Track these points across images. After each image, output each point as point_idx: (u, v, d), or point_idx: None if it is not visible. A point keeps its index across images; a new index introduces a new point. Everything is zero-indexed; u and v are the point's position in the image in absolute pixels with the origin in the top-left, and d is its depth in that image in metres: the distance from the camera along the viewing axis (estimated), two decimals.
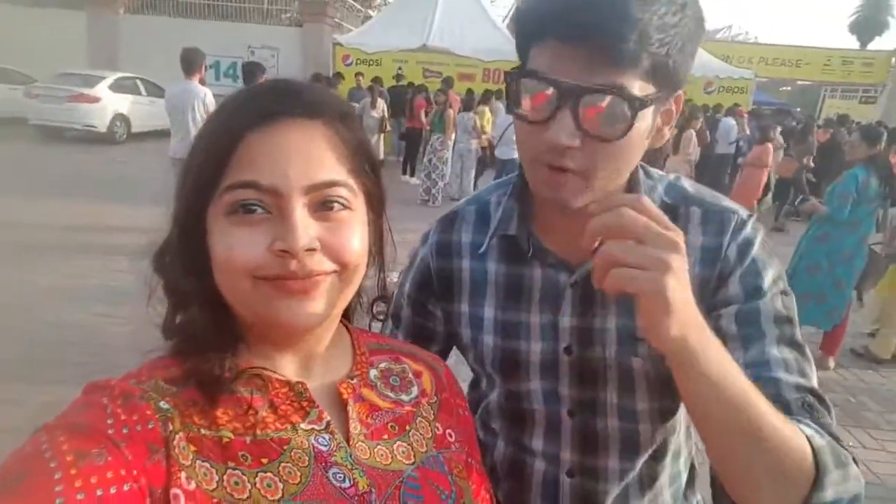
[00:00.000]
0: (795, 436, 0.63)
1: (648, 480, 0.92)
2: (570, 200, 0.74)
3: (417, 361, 0.77)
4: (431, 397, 0.73)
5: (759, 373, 0.72)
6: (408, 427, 0.68)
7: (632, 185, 0.82)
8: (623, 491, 0.91)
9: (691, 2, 0.70)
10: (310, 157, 0.57)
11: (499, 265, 0.90)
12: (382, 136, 10.01)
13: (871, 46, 33.80)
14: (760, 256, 0.80)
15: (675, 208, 0.83)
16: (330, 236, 0.58)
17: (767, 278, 0.78)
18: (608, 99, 0.67)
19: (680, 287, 0.58)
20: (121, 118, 12.33)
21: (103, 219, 6.54)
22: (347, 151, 0.61)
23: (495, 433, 0.97)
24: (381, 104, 10.32)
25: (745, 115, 12.17)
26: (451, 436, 0.71)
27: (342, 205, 0.59)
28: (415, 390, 0.73)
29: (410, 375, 0.74)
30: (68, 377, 3.18)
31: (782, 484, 0.63)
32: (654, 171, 0.87)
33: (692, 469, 1.00)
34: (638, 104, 0.68)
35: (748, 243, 0.80)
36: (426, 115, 10.65)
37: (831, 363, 4.33)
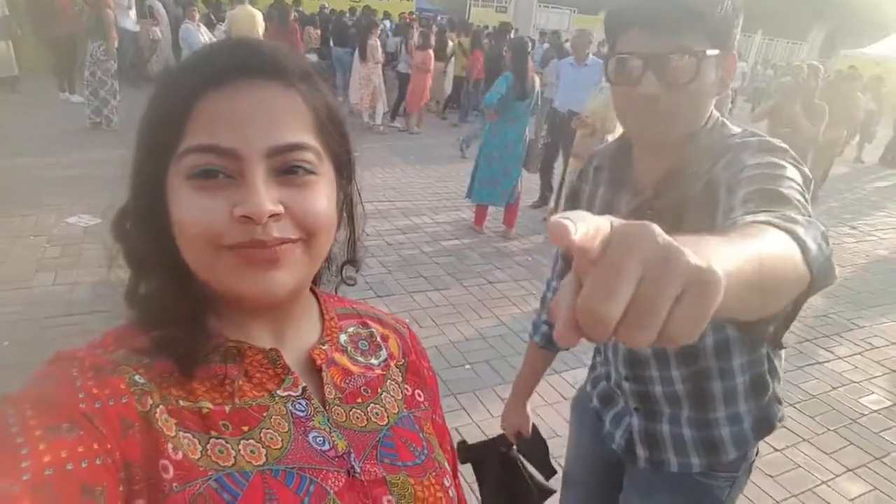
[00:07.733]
0: (788, 259, 0.60)
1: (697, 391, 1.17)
2: (663, 133, 1.01)
3: (384, 325, 0.77)
4: (399, 360, 0.75)
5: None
6: (380, 390, 0.69)
7: (713, 127, 1.05)
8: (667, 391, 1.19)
9: None
10: (271, 118, 0.54)
11: (605, 189, 1.20)
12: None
13: None
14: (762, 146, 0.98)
15: (741, 136, 1.03)
16: (294, 202, 0.54)
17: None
18: (678, 57, 0.95)
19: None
20: None
21: None
22: (311, 113, 0.57)
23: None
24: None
25: (411, 19, 12.81)
26: (419, 396, 0.74)
27: (307, 170, 0.55)
28: (383, 353, 0.73)
29: (378, 339, 0.74)
30: None
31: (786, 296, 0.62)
32: (734, 128, 1.08)
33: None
34: (700, 56, 0.95)
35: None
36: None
37: (512, 232, 5.52)
